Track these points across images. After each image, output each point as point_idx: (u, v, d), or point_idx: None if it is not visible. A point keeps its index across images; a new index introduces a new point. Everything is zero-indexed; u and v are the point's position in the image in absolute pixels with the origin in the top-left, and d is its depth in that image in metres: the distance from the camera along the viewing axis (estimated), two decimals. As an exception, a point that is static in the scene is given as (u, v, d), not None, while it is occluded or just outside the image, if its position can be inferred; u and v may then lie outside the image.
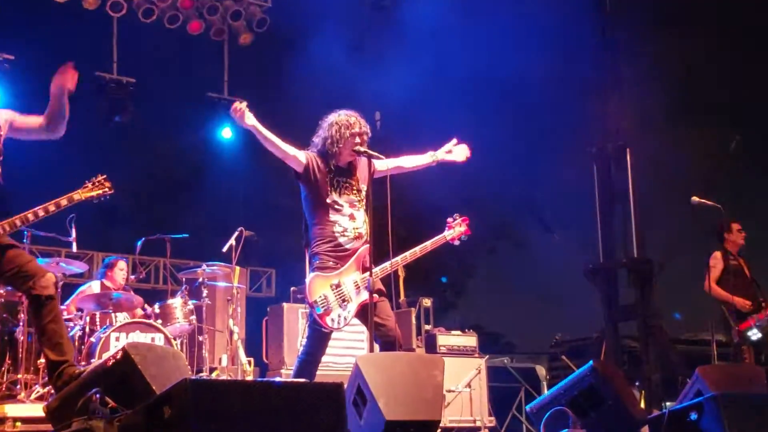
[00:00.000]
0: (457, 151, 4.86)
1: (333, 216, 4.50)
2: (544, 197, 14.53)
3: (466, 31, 10.25)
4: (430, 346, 8.06)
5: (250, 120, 4.32)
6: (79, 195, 4.39)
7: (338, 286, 4.43)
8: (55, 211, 4.30)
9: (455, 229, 4.84)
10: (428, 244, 4.73)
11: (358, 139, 4.53)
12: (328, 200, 4.51)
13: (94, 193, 4.44)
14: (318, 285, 4.41)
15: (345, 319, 4.43)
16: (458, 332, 8.23)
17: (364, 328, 6.22)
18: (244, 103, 4.30)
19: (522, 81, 10.40)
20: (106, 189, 4.48)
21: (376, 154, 4.50)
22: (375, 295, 4.35)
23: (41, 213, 4.25)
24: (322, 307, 4.37)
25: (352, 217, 4.53)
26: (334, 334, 4.57)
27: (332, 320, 4.39)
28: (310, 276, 4.45)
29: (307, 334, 4.53)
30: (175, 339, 6.70)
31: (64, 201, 4.31)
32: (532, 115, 12.17)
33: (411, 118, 10.06)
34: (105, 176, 4.50)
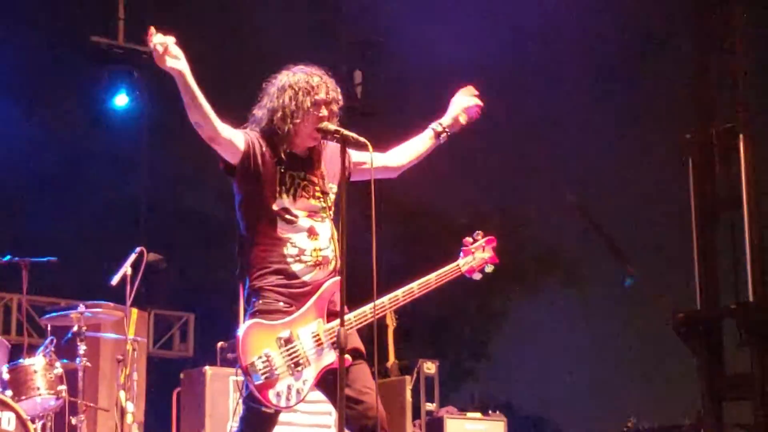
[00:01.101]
0: (458, 102, 4.85)
1: (283, 231, 4.45)
2: (614, 207, 14.58)
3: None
4: (434, 435, 8.09)
5: (177, 63, 4.19)
6: None
7: (289, 340, 4.38)
8: None
9: (475, 256, 4.80)
10: (433, 278, 4.67)
11: (324, 111, 4.49)
12: (275, 207, 4.45)
13: None
14: (258, 339, 4.35)
15: (298, 392, 4.37)
16: (477, 414, 8.29)
17: (330, 407, 6.18)
18: (170, 38, 4.14)
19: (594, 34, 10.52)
20: None
21: (353, 135, 4.43)
22: (348, 357, 4.30)
23: None
24: (263, 373, 4.32)
25: (312, 232, 4.49)
26: (283, 416, 4.52)
27: (278, 395, 4.33)
28: (245, 324, 4.39)
29: (240, 415, 4.48)
30: (33, 421, 6.67)
31: None
32: (602, 84, 12.25)
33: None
34: None
